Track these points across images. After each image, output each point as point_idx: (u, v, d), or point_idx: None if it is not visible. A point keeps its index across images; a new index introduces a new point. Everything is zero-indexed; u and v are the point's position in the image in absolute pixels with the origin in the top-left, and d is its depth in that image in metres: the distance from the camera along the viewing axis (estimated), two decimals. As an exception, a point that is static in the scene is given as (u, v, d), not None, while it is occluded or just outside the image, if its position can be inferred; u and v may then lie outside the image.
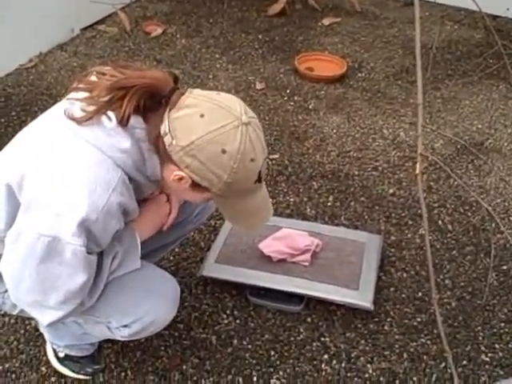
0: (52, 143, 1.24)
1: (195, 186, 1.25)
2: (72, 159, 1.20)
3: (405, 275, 2.03)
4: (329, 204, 2.32)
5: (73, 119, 1.22)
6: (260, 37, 3.52)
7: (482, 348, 1.80)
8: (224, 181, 1.22)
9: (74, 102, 1.24)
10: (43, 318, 1.30)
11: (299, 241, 1.97)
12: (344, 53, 3.39)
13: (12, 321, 1.81)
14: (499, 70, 3.17)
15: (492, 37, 3.45)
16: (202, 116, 1.18)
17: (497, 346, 1.81)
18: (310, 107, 2.90)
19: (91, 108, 1.21)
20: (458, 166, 2.55)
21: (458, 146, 2.66)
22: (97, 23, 3.54)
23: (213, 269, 1.93)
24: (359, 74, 3.20)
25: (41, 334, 1.73)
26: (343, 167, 2.52)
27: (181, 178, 1.24)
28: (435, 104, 2.95)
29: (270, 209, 1.42)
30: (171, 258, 2.04)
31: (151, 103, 1.23)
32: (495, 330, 1.85)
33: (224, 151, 1.18)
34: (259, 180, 1.28)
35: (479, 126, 2.80)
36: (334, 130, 2.75)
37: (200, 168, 1.20)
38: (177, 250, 2.05)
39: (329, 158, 2.57)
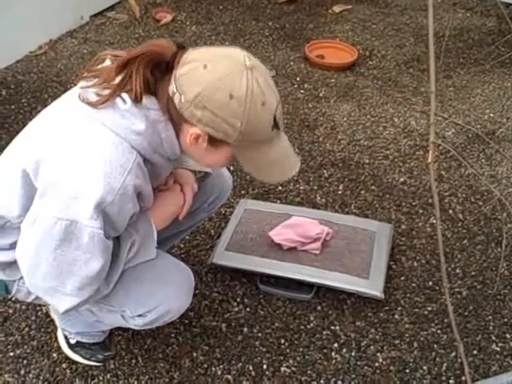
0: (67, 127, 1.24)
1: (213, 142, 1.24)
2: (87, 142, 1.21)
3: (415, 264, 2.02)
4: (339, 192, 2.31)
5: (88, 103, 1.22)
6: (270, 24, 3.50)
7: (493, 338, 1.79)
8: (239, 129, 1.20)
9: (87, 89, 1.25)
10: (59, 304, 1.30)
11: (310, 229, 1.97)
12: (355, 40, 3.36)
13: (23, 307, 1.82)
14: (511, 59, 3.14)
15: (504, 25, 3.43)
16: (205, 67, 1.18)
17: (507, 335, 1.80)
18: (321, 95, 2.88)
19: (105, 91, 1.22)
20: (469, 155, 2.53)
21: (470, 135, 2.64)
22: (106, 10, 3.53)
23: (223, 256, 1.93)
24: (370, 62, 3.18)
25: (52, 321, 1.74)
26: (354, 155, 2.51)
27: (197, 137, 1.23)
28: (447, 92, 2.93)
29: (295, 160, 1.37)
30: (181, 245, 2.04)
31: (158, 73, 1.23)
32: (506, 320, 1.84)
33: (232, 96, 1.17)
34: (276, 126, 1.25)
35: (491, 115, 2.78)
36: (345, 118, 2.74)
37: (212, 119, 1.19)
38: (187, 237, 2.06)
39: (339, 146, 2.56)
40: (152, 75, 1.22)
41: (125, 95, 1.21)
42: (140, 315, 1.41)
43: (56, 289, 1.26)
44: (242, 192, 2.29)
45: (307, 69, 3.09)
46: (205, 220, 2.11)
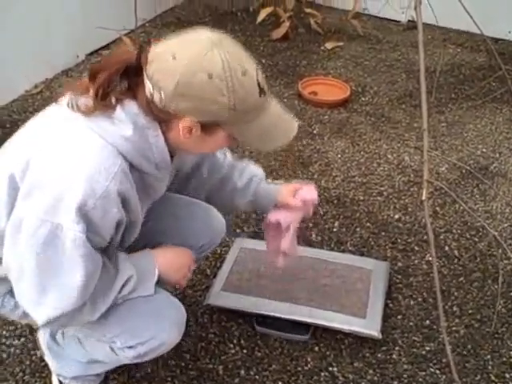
0: (57, 131, 1.24)
1: (206, 128, 1.22)
2: (75, 145, 1.20)
3: (412, 302, 2.01)
4: (334, 230, 2.31)
5: (78, 111, 1.21)
6: (263, 61, 3.53)
7: (492, 377, 1.78)
8: (228, 105, 1.17)
9: (76, 99, 1.23)
10: (39, 314, 1.26)
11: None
12: (347, 77, 3.40)
13: (17, 351, 1.80)
14: (502, 94, 3.18)
15: (494, 60, 3.47)
16: (174, 57, 1.15)
17: (507, 375, 1.79)
18: (315, 132, 2.90)
19: (93, 102, 1.20)
20: (463, 190, 2.54)
21: (463, 171, 2.65)
22: (102, 49, 3.57)
23: (219, 297, 1.92)
24: (363, 98, 3.21)
25: (46, 365, 1.72)
26: (348, 192, 2.52)
27: (190, 129, 1.21)
28: (439, 128, 2.96)
29: (290, 117, 1.33)
30: (177, 285, 2.02)
31: (131, 79, 1.21)
32: (505, 359, 1.83)
33: (211, 75, 1.14)
34: (263, 92, 1.22)
35: (484, 150, 2.80)
36: (339, 155, 2.75)
37: (199, 105, 1.17)
38: (183, 277, 2.04)
39: (334, 183, 2.57)
40: (126, 82, 1.22)
41: (114, 103, 1.20)
42: (130, 347, 1.40)
43: (37, 298, 1.23)
44: (237, 230, 2.28)
45: (301, 106, 3.11)
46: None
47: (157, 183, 1.37)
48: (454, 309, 1.99)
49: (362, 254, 2.19)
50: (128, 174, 1.22)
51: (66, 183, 1.17)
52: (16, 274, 1.25)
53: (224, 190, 1.66)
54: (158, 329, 1.39)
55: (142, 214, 1.37)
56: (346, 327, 1.84)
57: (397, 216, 2.40)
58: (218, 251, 2.16)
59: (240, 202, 1.68)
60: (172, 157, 1.32)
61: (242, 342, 1.86)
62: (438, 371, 1.79)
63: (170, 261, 1.46)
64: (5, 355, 1.79)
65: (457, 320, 1.95)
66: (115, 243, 1.33)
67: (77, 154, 1.19)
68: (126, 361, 1.46)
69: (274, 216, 1.67)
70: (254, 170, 1.71)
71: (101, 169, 1.17)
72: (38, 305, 1.25)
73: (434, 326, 1.92)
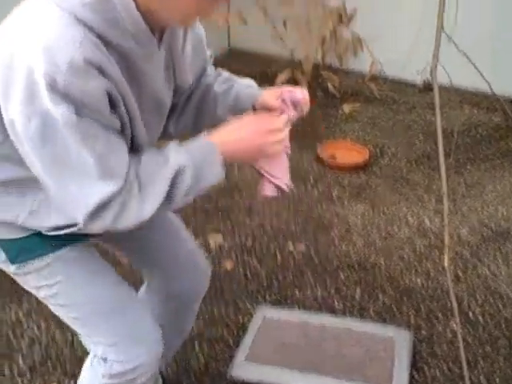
0: (17, 14, 1.16)
1: None
2: (30, 21, 1.12)
3: (438, 373, 1.98)
4: (356, 297, 2.31)
5: None
6: (282, 125, 3.59)
7: None
8: None
9: None
10: (76, 213, 1.16)
11: None
12: (365, 139, 3.45)
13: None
14: (520, 154, 3.20)
15: (510, 120, 3.51)
16: None
17: None
18: (334, 196, 2.93)
19: None
20: (485, 253, 2.54)
21: (484, 233, 2.65)
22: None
23: (242, 369, 1.91)
24: (381, 161, 3.24)
25: None
26: (369, 257, 2.52)
27: None
28: (459, 190, 2.97)
29: None
30: (200, 355, 2.02)
31: None
32: (535, 433, 1.79)
33: None
34: None
35: (504, 213, 2.80)
36: (359, 218, 2.77)
37: None
38: (206, 348, 2.04)
39: (354, 247, 2.58)
40: None
41: None
42: (106, 360, 1.38)
43: (64, 193, 1.15)
44: (259, 298, 2.29)
45: (320, 169, 3.15)
46: (222, 329, 2.11)
47: (145, 66, 1.22)
48: (481, 379, 1.96)
49: (384, 321, 2.18)
50: (99, 44, 1.10)
51: (28, 61, 1.07)
52: (40, 177, 1.17)
53: (208, 98, 1.49)
54: (138, 354, 1.38)
55: (152, 127, 1.27)
56: (371, 400, 1.82)
57: (419, 281, 2.39)
58: (241, 320, 2.16)
59: (222, 109, 1.48)
60: (162, 34, 1.22)
61: (266, 415, 1.85)
62: None
63: (227, 137, 1.26)
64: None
65: (484, 391, 1.92)
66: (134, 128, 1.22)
67: (33, 28, 1.10)
68: (102, 379, 1.41)
69: None
70: (242, 79, 1.53)
71: (59, 40, 1.07)
72: (70, 201, 1.16)
73: (461, 398, 1.89)
